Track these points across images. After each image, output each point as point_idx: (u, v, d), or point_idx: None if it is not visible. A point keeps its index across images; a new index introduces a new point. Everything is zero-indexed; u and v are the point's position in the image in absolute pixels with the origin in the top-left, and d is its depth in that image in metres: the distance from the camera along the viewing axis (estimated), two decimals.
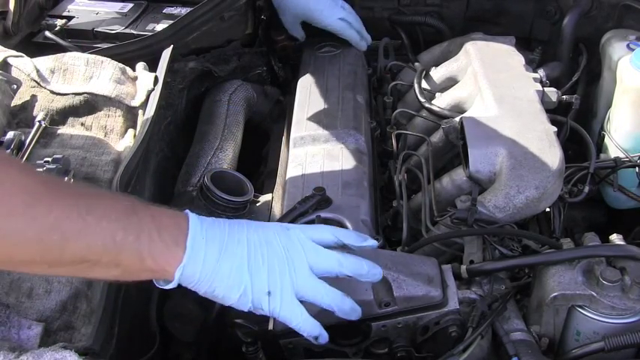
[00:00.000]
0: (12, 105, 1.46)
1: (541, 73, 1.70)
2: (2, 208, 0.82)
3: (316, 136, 1.50)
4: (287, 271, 0.98)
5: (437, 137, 1.59)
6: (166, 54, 1.60)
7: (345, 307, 1.04)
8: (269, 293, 0.96)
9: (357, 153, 1.46)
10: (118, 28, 1.79)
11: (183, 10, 1.88)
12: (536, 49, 1.87)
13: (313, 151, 1.47)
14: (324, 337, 1.04)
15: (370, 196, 1.40)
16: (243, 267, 0.96)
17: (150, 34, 1.68)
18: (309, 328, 1.02)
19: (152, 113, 1.44)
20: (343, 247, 1.05)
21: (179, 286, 0.95)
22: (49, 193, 0.87)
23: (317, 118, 1.56)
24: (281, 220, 1.23)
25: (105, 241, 0.88)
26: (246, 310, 0.98)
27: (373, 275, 1.05)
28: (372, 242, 1.06)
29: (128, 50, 1.64)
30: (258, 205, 1.48)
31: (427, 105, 1.65)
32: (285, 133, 1.72)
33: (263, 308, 0.98)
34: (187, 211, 0.98)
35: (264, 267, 0.97)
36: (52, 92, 1.52)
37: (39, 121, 1.42)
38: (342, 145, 1.47)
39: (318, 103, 1.62)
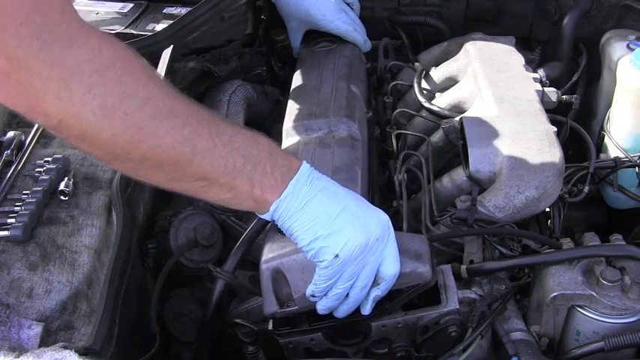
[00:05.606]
0: None
1: (541, 73, 1.70)
2: (148, 109, 0.89)
3: (308, 125, 1.48)
4: (362, 249, 1.03)
5: (437, 137, 1.59)
6: (166, 54, 1.59)
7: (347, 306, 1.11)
8: (337, 256, 1.02)
9: (349, 140, 1.45)
10: (118, 28, 1.78)
11: (183, 10, 1.87)
12: (536, 49, 1.87)
13: (305, 140, 1.46)
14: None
15: (362, 180, 1.37)
16: (326, 220, 1.01)
17: (150, 34, 1.68)
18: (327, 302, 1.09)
19: None
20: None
21: (272, 220, 1.04)
22: (186, 109, 0.94)
23: (309, 108, 1.55)
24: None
25: (227, 164, 0.96)
26: (308, 257, 1.04)
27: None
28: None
29: None
30: None
31: (427, 105, 1.65)
32: None
33: (320, 261, 1.03)
34: (304, 161, 1.05)
35: (344, 232, 1.02)
36: None
37: None
38: (334, 133, 1.46)
39: (312, 94, 1.61)
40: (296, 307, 1.13)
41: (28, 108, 0.86)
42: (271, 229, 1.21)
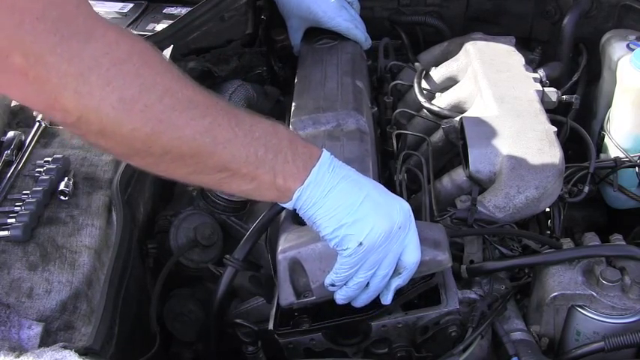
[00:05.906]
0: (12, 105, 1.46)
1: (541, 73, 1.70)
2: (168, 101, 0.88)
3: (316, 119, 1.48)
4: (386, 238, 1.02)
5: (437, 137, 1.59)
6: (166, 54, 1.60)
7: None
8: (360, 244, 1.00)
9: (358, 133, 1.44)
10: None
11: (183, 10, 1.87)
12: (536, 49, 1.87)
13: (314, 133, 1.46)
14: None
15: (373, 172, 1.36)
16: (350, 208, 1.00)
17: (150, 34, 1.68)
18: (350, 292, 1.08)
19: None
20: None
21: (294, 209, 1.03)
22: (205, 100, 0.94)
23: (316, 103, 1.54)
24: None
25: (248, 154, 0.96)
26: (331, 245, 1.03)
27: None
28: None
29: None
30: (258, 204, 1.48)
31: (427, 105, 1.65)
32: None
33: (343, 249, 1.02)
34: (324, 149, 1.04)
35: (369, 220, 1.00)
36: None
37: (39, 121, 1.42)
38: (342, 126, 1.46)
39: (317, 89, 1.61)
40: (313, 298, 1.11)
41: (47, 105, 0.85)
42: (285, 220, 1.20)
